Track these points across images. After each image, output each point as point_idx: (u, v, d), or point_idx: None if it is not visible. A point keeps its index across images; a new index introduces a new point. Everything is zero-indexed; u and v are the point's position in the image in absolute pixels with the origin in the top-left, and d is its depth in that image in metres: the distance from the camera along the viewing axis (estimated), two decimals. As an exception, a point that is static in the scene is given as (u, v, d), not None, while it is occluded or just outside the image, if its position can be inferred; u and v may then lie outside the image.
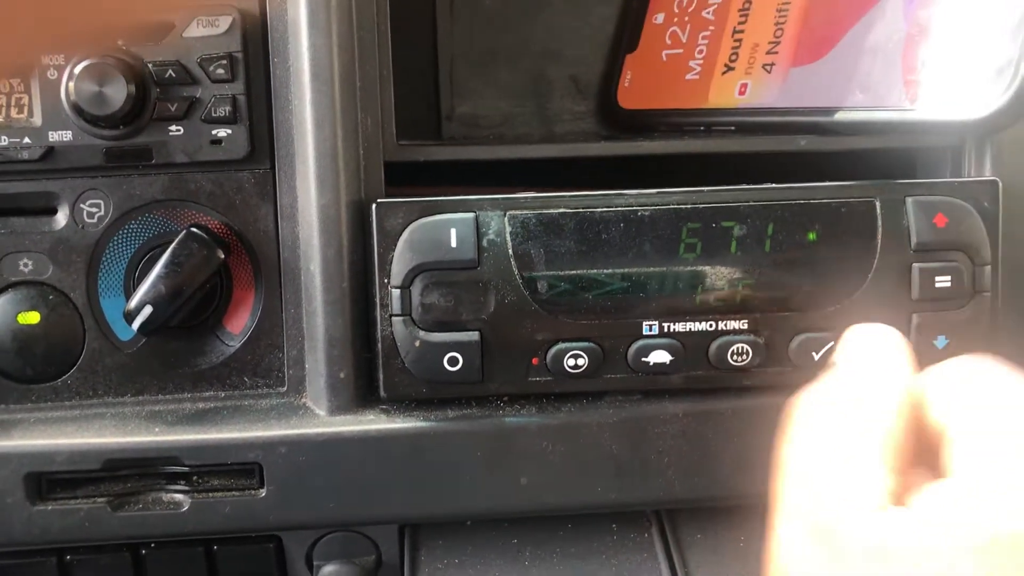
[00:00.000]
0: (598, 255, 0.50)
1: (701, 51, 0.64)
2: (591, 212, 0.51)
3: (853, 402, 0.37)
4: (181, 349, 0.55)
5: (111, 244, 0.53)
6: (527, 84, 0.72)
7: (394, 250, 0.50)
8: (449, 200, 0.51)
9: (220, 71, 0.51)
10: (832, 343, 0.52)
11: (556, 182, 0.57)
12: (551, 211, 0.51)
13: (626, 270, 0.51)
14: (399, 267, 0.50)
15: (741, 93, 0.61)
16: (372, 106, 0.52)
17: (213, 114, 0.52)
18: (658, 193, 0.51)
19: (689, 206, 0.51)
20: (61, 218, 0.53)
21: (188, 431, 0.52)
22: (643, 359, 0.51)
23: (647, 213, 0.51)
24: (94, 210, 0.53)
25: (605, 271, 0.50)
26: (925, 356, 0.51)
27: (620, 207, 0.51)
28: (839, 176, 0.53)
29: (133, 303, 0.51)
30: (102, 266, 0.54)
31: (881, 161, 0.58)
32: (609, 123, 0.71)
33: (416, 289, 0.50)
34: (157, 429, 0.52)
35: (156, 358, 0.54)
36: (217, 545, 0.55)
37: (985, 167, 0.54)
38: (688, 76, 0.64)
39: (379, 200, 0.51)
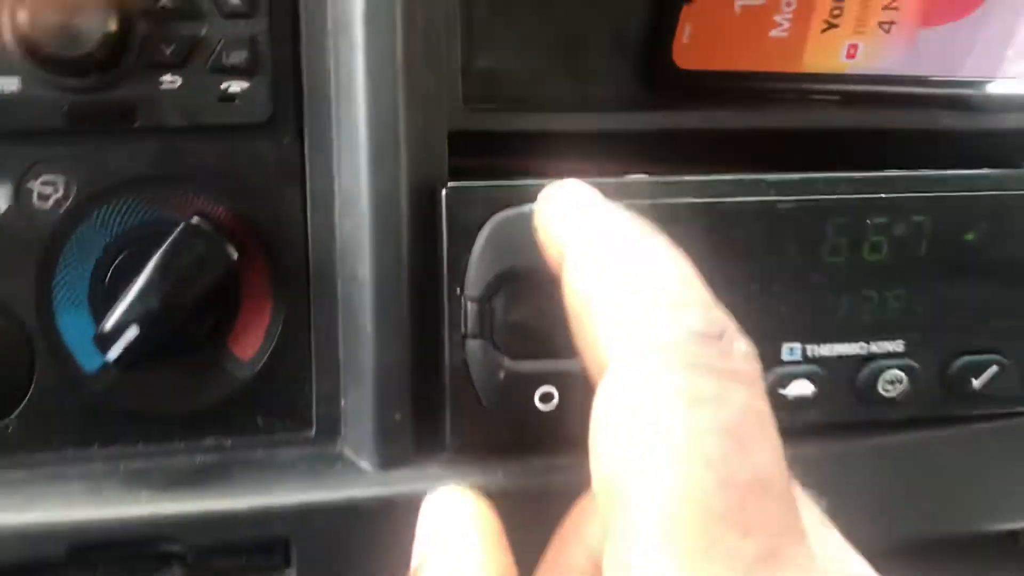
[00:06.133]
0: (728, 258, 0.40)
1: (790, 3, 0.54)
2: (722, 203, 0.40)
3: None
4: (170, 381, 0.41)
5: (73, 238, 0.40)
6: (559, 36, 0.60)
7: (471, 251, 0.39)
8: (542, 184, 0.39)
9: (235, 2, 0.38)
10: (996, 368, 0.44)
11: (593, 155, 0.47)
12: (677, 200, 0.40)
13: (762, 279, 0.41)
14: (478, 274, 0.38)
15: (850, 56, 0.51)
16: (435, 59, 0.40)
17: (223, 61, 0.38)
18: (801, 179, 0.41)
19: (836, 196, 0.41)
20: (1, 201, 0.39)
21: (185, 497, 0.39)
22: (780, 391, 0.42)
23: (790, 206, 0.41)
24: (48, 190, 0.39)
25: (738, 278, 0.40)
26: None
27: (758, 196, 0.40)
28: (980, 162, 0.44)
29: (111, 323, 0.37)
30: (59, 269, 0.40)
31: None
32: (659, 86, 0.60)
33: (500, 303, 0.38)
34: (142, 495, 0.38)
35: (135, 394, 0.41)
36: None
37: None
38: (773, 32, 0.54)
39: (450, 184, 0.39)
